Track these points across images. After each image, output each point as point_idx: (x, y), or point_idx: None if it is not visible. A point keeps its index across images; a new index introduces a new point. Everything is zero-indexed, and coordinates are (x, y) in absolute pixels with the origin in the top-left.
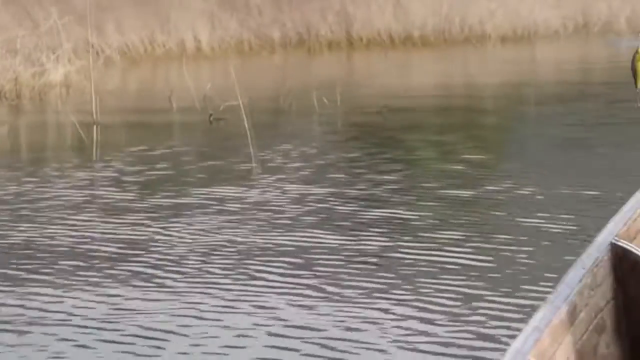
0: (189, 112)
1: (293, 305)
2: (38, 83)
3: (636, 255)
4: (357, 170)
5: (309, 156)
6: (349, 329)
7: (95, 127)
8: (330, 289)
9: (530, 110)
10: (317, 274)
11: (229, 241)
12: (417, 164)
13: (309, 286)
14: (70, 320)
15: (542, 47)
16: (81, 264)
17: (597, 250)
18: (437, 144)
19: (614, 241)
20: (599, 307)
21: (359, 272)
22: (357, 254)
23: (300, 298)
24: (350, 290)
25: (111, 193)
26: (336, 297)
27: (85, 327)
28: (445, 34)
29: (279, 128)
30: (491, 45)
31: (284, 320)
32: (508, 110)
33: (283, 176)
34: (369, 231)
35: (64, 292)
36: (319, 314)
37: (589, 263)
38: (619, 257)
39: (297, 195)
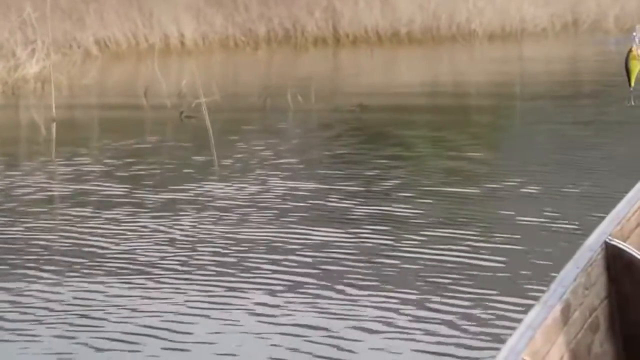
0: (162, 109)
1: (275, 299)
2: (12, 78)
3: (630, 254)
4: (316, 171)
5: (268, 155)
6: (343, 326)
7: (53, 123)
8: (318, 285)
9: (516, 107)
10: (292, 270)
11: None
12: (394, 161)
13: (286, 282)
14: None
15: (530, 45)
16: (36, 258)
17: (590, 249)
18: (412, 143)
19: (607, 240)
20: (593, 306)
21: (344, 268)
22: (336, 250)
23: (281, 293)
24: (341, 287)
25: (65, 189)
26: (328, 294)
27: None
28: (432, 31)
29: (249, 126)
30: (478, 42)
31: (268, 316)
32: (491, 107)
33: (239, 174)
34: (346, 226)
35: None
36: (308, 310)
37: (583, 262)
38: (613, 256)
39: (253, 194)
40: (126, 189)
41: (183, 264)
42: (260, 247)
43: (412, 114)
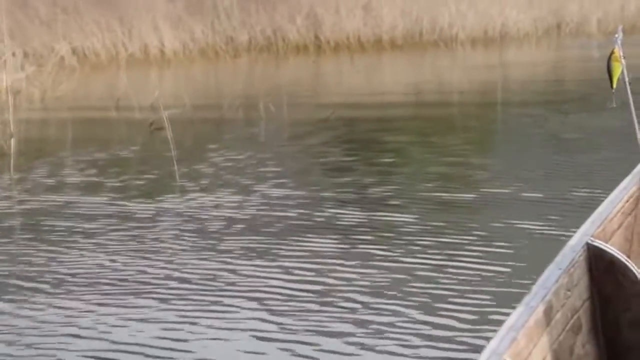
0: (132, 121)
1: (249, 303)
2: None
3: (612, 255)
4: (281, 180)
5: (229, 165)
6: (328, 330)
7: (12, 138)
8: (307, 295)
9: (497, 112)
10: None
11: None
12: (370, 167)
13: (273, 291)
14: None
15: (513, 49)
16: None
17: (572, 250)
18: (382, 150)
19: (589, 241)
20: (575, 307)
21: (336, 277)
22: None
23: (267, 303)
24: (329, 298)
25: (22, 203)
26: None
27: None
28: (415, 38)
29: (215, 136)
30: (461, 47)
31: (254, 327)
32: (473, 113)
33: (198, 186)
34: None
35: None
36: (296, 322)
37: (565, 264)
38: (595, 257)
39: (211, 206)
40: (82, 202)
41: (141, 273)
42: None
43: (389, 121)
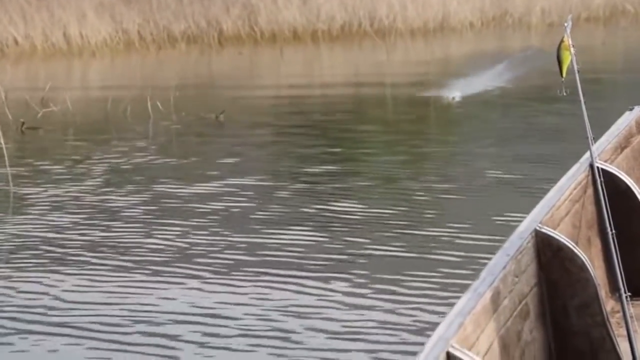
0: (6, 119)
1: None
2: None
3: (559, 241)
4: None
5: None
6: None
7: None
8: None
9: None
10: None
11: None
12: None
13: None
14: None
15: (454, 40)
16: None
17: (520, 237)
18: (277, 148)
19: (537, 228)
20: (523, 293)
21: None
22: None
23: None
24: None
25: None
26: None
27: None
28: (352, 28)
29: (94, 136)
30: (400, 39)
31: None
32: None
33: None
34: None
35: None
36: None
37: (513, 250)
38: (543, 243)
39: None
40: None
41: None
42: None
43: (281, 116)
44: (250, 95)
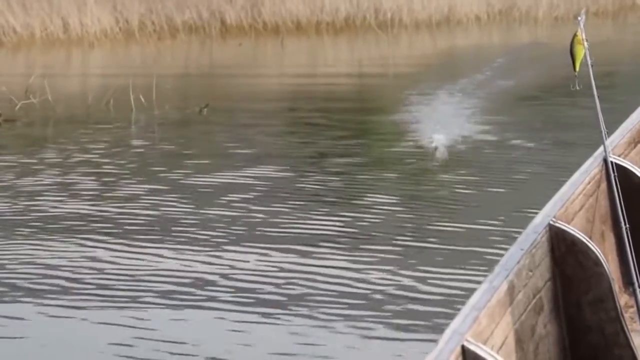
0: None
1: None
2: None
3: (574, 236)
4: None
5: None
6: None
7: None
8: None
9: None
10: None
11: None
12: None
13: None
14: None
15: (460, 34)
16: None
17: (535, 231)
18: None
19: (551, 222)
20: (537, 287)
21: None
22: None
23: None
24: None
25: None
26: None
27: None
28: (357, 21)
29: (82, 129)
30: (405, 32)
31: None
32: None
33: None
34: None
35: None
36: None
37: (527, 244)
38: (557, 238)
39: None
40: None
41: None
42: None
43: (270, 114)
44: (243, 83)
